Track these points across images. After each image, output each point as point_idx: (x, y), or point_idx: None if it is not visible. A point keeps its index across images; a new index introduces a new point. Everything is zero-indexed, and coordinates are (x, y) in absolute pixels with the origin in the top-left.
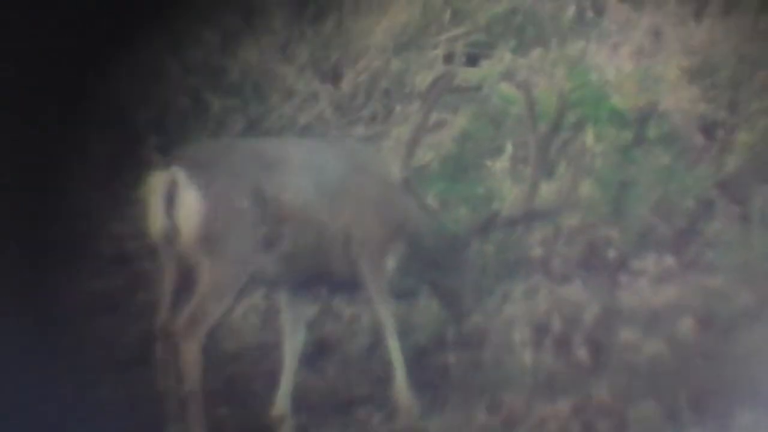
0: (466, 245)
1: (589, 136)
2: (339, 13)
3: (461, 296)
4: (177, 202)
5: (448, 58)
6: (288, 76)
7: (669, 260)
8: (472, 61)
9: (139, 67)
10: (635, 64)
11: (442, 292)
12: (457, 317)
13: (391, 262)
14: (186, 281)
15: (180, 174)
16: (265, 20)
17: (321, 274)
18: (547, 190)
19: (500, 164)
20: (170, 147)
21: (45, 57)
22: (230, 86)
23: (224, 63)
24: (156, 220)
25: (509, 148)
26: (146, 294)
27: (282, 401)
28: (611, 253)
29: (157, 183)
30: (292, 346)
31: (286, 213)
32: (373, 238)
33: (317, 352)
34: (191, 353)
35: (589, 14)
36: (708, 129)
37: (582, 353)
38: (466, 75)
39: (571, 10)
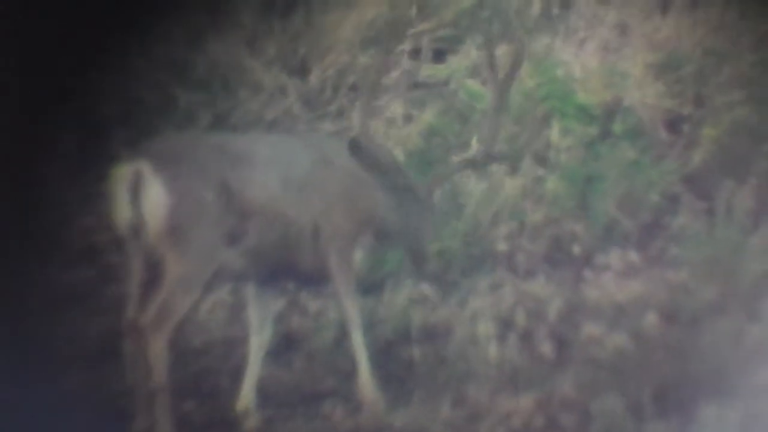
0: (429, 194)
1: (554, 132)
2: (307, 7)
3: (425, 250)
4: (142, 194)
5: (415, 54)
6: (255, 71)
7: (633, 255)
8: (439, 56)
9: (107, 62)
10: (601, 60)
11: (408, 251)
12: (419, 266)
13: (359, 255)
14: (153, 275)
15: (146, 167)
16: (233, 15)
17: (288, 268)
18: (512, 185)
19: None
20: (138, 141)
21: (11, 52)
22: (197, 81)
23: (191, 57)
24: (122, 213)
25: (475, 144)
26: (115, 287)
27: (247, 395)
28: (576, 248)
29: (122, 175)
30: (259, 340)
31: (251, 208)
32: (341, 231)
33: (283, 347)
34: (159, 347)
35: (556, 10)
36: (673, 124)
37: (546, 348)
38: (433, 71)
39: (537, 6)
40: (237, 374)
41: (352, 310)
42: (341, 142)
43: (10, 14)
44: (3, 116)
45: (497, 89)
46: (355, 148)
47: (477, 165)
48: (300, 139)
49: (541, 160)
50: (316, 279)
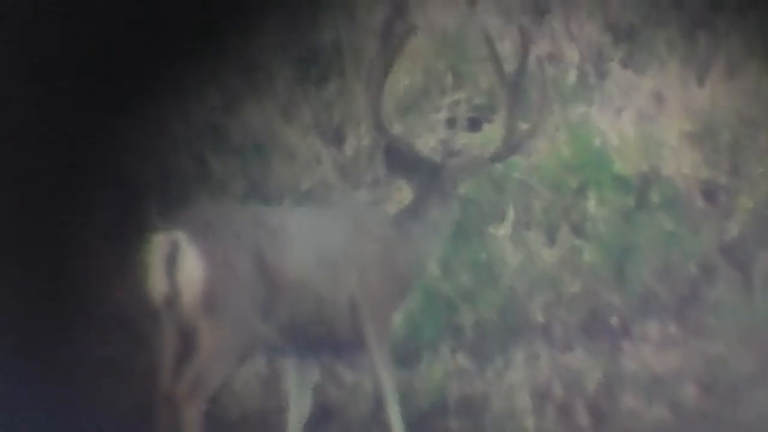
0: (453, 186)
1: (591, 202)
2: (342, 76)
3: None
4: (178, 265)
5: (450, 122)
6: (290, 139)
7: (671, 326)
8: (475, 125)
9: (142, 128)
10: (637, 129)
11: None
12: None
13: (396, 318)
14: (187, 346)
15: (181, 237)
16: (268, 82)
17: (324, 340)
18: (548, 256)
19: (502, 230)
20: (172, 209)
21: (48, 119)
22: (232, 148)
23: (227, 124)
24: (157, 283)
25: (511, 214)
26: (148, 358)
27: None
28: (613, 319)
29: (158, 245)
30: (299, 411)
31: (285, 281)
32: (378, 301)
33: (320, 418)
34: (193, 419)
35: (592, 79)
36: (710, 193)
37: (584, 420)
38: (469, 139)
39: (573, 74)
40: None
41: (389, 381)
42: (377, 210)
43: (47, 82)
44: (39, 184)
45: (507, 87)
46: (390, 152)
47: (500, 158)
48: (334, 210)
49: (578, 230)
50: (352, 350)
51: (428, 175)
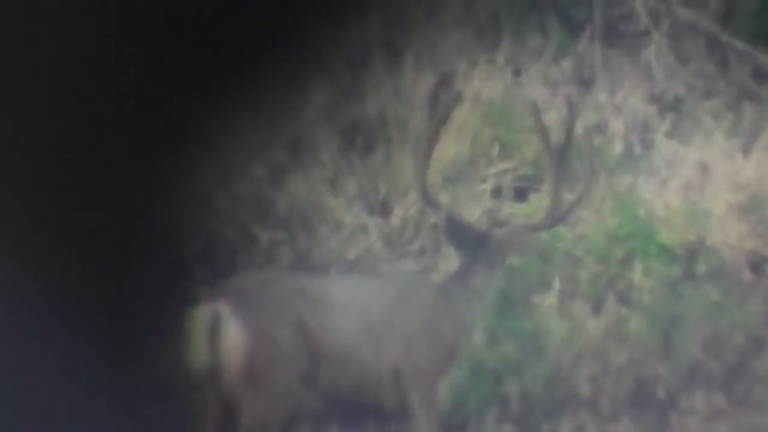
0: (500, 257)
1: (637, 272)
2: (387, 146)
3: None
4: (220, 336)
5: (496, 192)
6: (336, 209)
7: (719, 398)
8: (521, 195)
9: (188, 200)
10: (683, 199)
11: None
12: None
13: (442, 389)
14: (230, 418)
15: (224, 307)
16: (314, 153)
17: (367, 410)
18: (594, 326)
19: (548, 300)
20: (218, 280)
21: (93, 190)
22: (278, 219)
23: (272, 196)
24: (199, 355)
25: (557, 284)
26: (191, 430)
27: None
28: (660, 391)
29: (201, 316)
30: None
31: (327, 352)
32: (423, 371)
33: None
34: None
35: (637, 149)
36: (757, 265)
37: None
38: (515, 209)
39: (619, 145)
40: None
41: None
42: (423, 280)
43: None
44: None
45: (553, 159)
46: (451, 224)
47: (545, 227)
48: (379, 278)
49: (624, 300)
50: (397, 420)
51: (475, 245)
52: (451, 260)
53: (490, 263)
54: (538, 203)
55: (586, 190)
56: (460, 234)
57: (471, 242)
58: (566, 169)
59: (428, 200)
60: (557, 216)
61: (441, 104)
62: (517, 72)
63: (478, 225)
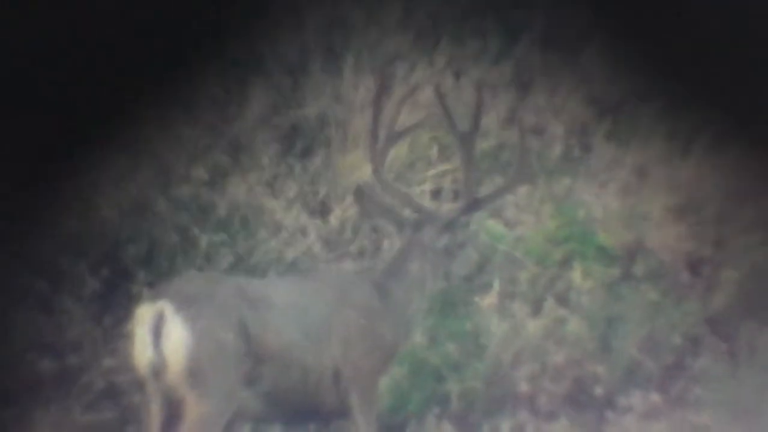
0: (431, 240)
1: (576, 273)
2: (327, 149)
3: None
4: (164, 334)
5: (436, 194)
6: (276, 211)
7: (656, 397)
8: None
9: (129, 204)
10: (621, 202)
11: None
12: None
13: (383, 387)
14: (173, 415)
15: (167, 307)
16: (253, 156)
17: (308, 410)
18: (534, 326)
19: (488, 300)
20: (159, 283)
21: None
22: (218, 222)
23: (212, 198)
24: (143, 353)
25: (497, 284)
26: (136, 428)
27: None
28: (598, 390)
29: (144, 316)
30: None
31: (267, 352)
32: (364, 370)
33: None
34: None
35: (576, 152)
36: (694, 266)
37: None
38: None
39: (558, 148)
40: None
41: None
42: (361, 280)
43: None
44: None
45: (461, 143)
46: (360, 195)
47: (467, 211)
48: (318, 280)
49: (563, 301)
50: (338, 419)
51: (410, 231)
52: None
53: (423, 248)
54: None
55: (509, 184)
56: (396, 222)
57: (406, 230)
58: (474, 155)
59: (384, 184)
60: (473, 201)
61: (382, 108)
62: (456, 74)
63: (410, 215)
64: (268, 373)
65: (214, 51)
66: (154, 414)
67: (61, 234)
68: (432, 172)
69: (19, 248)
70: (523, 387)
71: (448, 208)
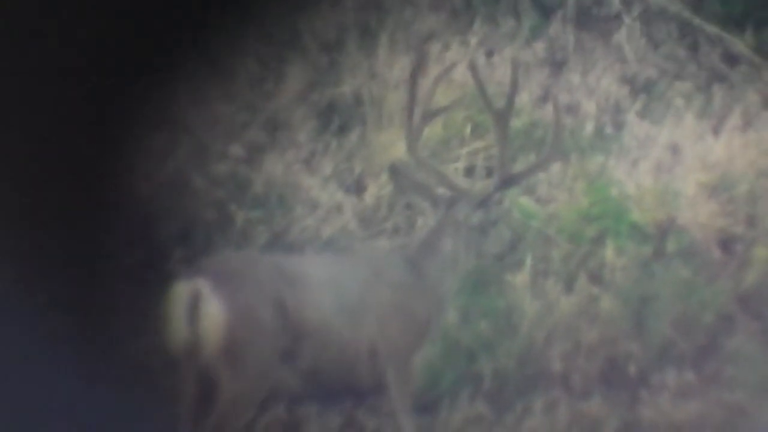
0: (466, 217)
1: (608, 251)
2: (362, 126)
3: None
4: (200, 313)
5: (469, 171)
6: (312, 189)
7: (689, 375)
8: (493, 174)
9: (166, 181)
10: (654, 179)
11: None
12: None
13: (416, 366)
14: (208, 394)
15: (203, 285)
16: (290, 133)
17: (345, 387)
18: (566, 304)
19: (520, 278)
20: (195, 260)
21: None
22: (255, 199)
23: (249, 175)
24: (178, 332)
25: (529, 262)
26: (170, 407)
27: None
28: (631, 368)
29: (180, 294)
30: None
31: (306, 328)
32: (398, 347)
33: None
34: None
35: (609, 130)
36: (726, 244)
37: None
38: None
39: (590, 126)
40: None
41: (409, 428)
42: (395, 258)
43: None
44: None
45: (496, 120)
46: (395, 172)
47: (501, 187)
48: (353, 258)
49: (596, 279)
50: (373, 396)
51: (444, 209)
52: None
53: (457, 226)
54: None
55: (542, 161)
56: (429, 199)
57: (440, 208)
58: (509, 132)
59: (419, 161)
60: (506, 179)
61: (418, 86)
62: (489, 54)
63: (445, 191)
64: (306, 350)
65: (252, 28)
66: (189, 394)
67: (99, 211)
68: (466, 149)
69: (56, 226)
70: (556, 365)
71: (481, 185)
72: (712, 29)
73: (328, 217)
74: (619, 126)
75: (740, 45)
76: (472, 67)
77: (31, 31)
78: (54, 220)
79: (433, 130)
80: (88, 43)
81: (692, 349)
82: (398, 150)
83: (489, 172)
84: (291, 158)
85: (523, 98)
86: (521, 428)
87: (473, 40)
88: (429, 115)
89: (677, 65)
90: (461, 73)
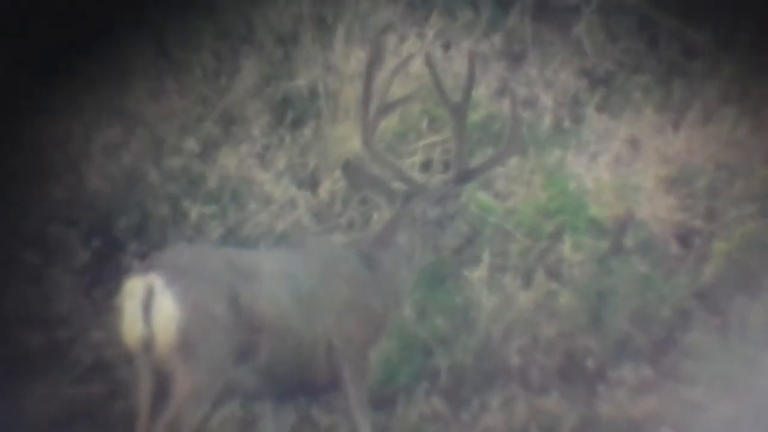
0: (421, 210)
1: (566, 246)
2: (317, 120)
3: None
4: (154, 308)
5: (426, 165)
6: (266, 183)
7: (647, 370)
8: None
9: (120, 174)
10: (613, 173)
11: None
12: None
13: (372, 361)
14: (163, 389)
15: (157, 280)
16: (244, 127)
17: (301, 383)
18: (524, 299)
19: (478, 273)
20: (150, 254)
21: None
22: (209, 194)
23: (203, 170)
24: (133, 327)
25: (486, 257)
26: (124, 403)
27: None
28: (589, 363)
29: (134, 289)
30: None
31: (261, 323)
32: (354, 342)
33: None
34: None
35: (567, 123)
36: (685, 238)
37: None
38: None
39: (548, 119)
40: None
41: (364, 424)
42: (348, 251)
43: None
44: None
45: (453, 113)
46: (349, 170)
47: (455, 182)
48: (308, 251)
49: (554, 274)
50: (328, 392)
51: (400, 203)
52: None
53: (413, 220)
54: None
55: (499, 155)
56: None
57: (395, 202)
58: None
59: (374, 155)
60: (463, 173)
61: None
62: (446, 47)
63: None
64: (261, 345)
65: (207, 21)
66: (144, 388)
67: (51, 204)
68: (422, 143)
69: (7, 218)
70: (514, 361)
71: (438, 179)
72: (671, 22)
73: (282, 213)
74: (577, 120)
75: (699, 38)
76: (429, 60)
77: None
78: (6, 216)
79: (389, 124)
80: (41, 34)
81: (650, 344)
82: (353, 144)
83: (446, 166)
84: (245, 152)
85: (481, 91)
86: (478, 424)
87: (430, 33)
88: (385, 109)
89: (636, 58)
90: (418, 65)
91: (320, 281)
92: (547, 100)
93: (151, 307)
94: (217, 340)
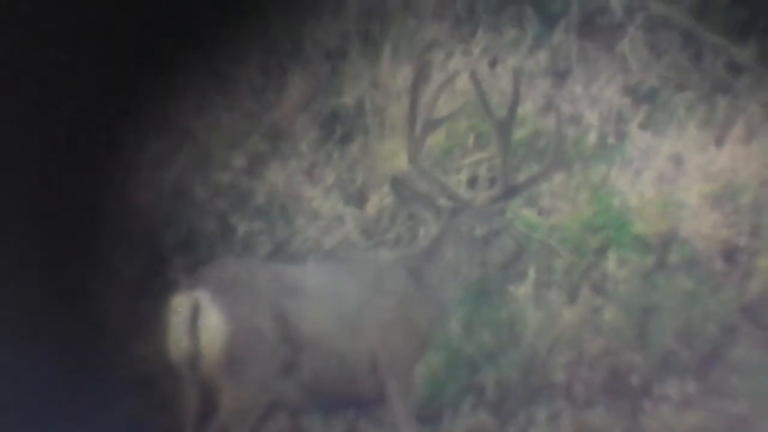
0: (469, 227)
1: (611, 262)
2: (365, 136)
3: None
4: (200, 323)
5: (472, 182)
6: (314, 199)
7: (692, 386)
8: (495, 184)
9: (167, 189)
10: (657, 190)
11: None
12: None
13: (418, 371)
14: (209, 405)
15: (204, 295)
16: (292, 143)
17: (346, 398)
18: (570, 315)
19: (523, 289)
20: (196, 270)
21: (70, 178)
22: (256, 209)
23: (251, 186)
24: (179, 342)
25: (532, 273)
26: (171, 417)
27: None
28: (634, 379)
29: (180, 305)
30: None
31: (306, 339)
32: (400, 357)
33: None
34: None
35: (611, 140)
36: (730, 254)
37: None
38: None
39: (593, 136)
40: None
41: None
42: (395, 267)
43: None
44: (62, 243)
45: (498, 130)
46: (396, 184)
47: (502, 198)
48: (354, 267)
49: (599, 290)
50: (375, 406)
51: (446, 219)
52: None
53: (459, 236)
54: None
55: (544, 171)
56: (432, 209)
57: (443, 217)
58: (509, 142)
59: (421, 171)
60: (508, 189)
61: (420, 95)
62: (492, 63)
63: (448, 201)
64: (306, 361)
65: (254, 36)
66: (190, 404)
67: (98, 218)
68: (468, 160)
69: (55, 233)
70: (559, 376)
71: (483, 196)
72: (715, 38)
73: (329, 228)
74: (621, 136)
75: (744, 54)
76: (475, 77)
77: (33, 35)
78: (54, 228)
79: (435, 140)
80: (91, 50)
81: (695, 360)
82: (400, 160)
83: (492, 183)
84: (293, 168)
85: (526, 108)
86: None
87: (476, 49)
88: (431, 125)
89: (680, 75)
90: (464, 82)
91: (367, 296)
92: (591, 116)
93: (197, 322)
94: (263, 355)
